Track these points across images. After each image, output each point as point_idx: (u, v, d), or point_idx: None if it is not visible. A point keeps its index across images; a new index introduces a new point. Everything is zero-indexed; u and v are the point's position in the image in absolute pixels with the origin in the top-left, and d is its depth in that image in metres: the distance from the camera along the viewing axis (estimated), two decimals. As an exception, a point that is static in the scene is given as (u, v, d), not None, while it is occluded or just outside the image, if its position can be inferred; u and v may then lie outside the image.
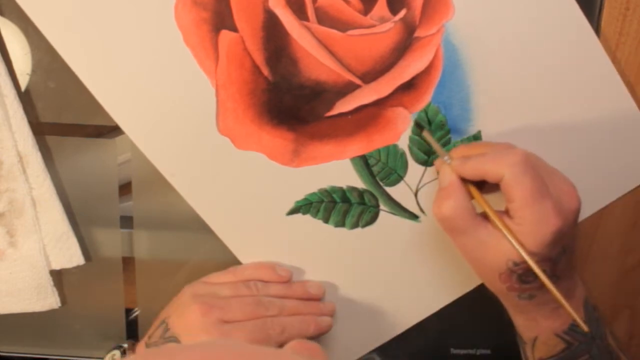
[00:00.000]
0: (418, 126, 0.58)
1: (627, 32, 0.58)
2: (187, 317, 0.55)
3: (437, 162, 0.56)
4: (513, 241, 0.49)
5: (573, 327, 0.54)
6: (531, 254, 0.49)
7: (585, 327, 0.50)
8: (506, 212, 0.51)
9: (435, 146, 0.56)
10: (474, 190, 0.52)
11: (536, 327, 0.55)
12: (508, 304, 0.55)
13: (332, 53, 0.55)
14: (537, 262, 0.49)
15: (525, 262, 0.49)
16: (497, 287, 0.53)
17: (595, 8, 0.57)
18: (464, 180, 0.52)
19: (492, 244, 0.50)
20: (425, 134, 0.57)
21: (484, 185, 0.53)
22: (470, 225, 0.51)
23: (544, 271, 0.49)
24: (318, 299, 0.63)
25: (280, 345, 0.56)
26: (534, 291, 0.52)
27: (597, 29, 0.57)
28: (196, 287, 0.59)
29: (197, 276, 0.65)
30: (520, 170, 0.49)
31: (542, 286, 0.50)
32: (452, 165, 0.52)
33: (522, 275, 0.50)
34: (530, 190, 0.48)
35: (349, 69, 0.56)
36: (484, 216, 0.52)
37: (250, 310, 0.56)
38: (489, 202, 0.52)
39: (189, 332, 0.54)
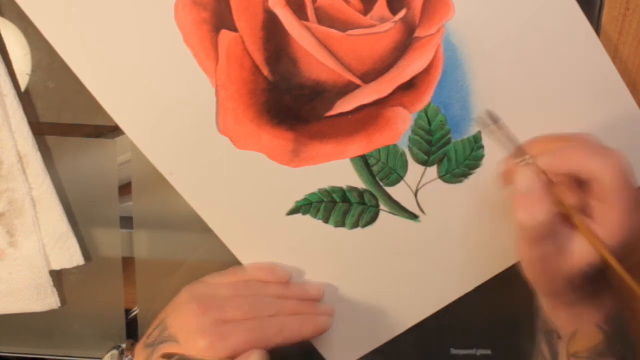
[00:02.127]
0: (492, 118, 0.56)
1: (627, 32, 0.58)
2: (184, 317, 0.55)
3: (510, 163, 0.54)
4: (598, 245, 0.48)
5: (611, 317, 0.54)
6: (612, 251, 0.48)
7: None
8: (584, 209, 0.50)
9: (514, 142, 0.53)
10: (561, 193, 0.50)
11: (579, 320, 0.54)
12: (555, 300, 0.54)
13: (332, 53, 0.55)
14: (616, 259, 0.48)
15: (601, 261, 0.48)
16: (554, 288, 0.52)
17: (595, 8, 0.57)
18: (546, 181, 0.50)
19: (574, 247, 0.49)
20: (500, 127, 0.55)
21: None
22: (555, 231, 0.49)
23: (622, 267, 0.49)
24: (317, 300, 0.63)
25: (279, 345, 0.56)
26: (590, 285, 0.51)
27: (597, 29, 0.58)
28: (195, 287, 0.59)
29: (197, 276, 0.65)
30: (622, 174, 0.47)
31: (597, 279, 0.49)
32: (538, 163, 0.50)
33: (589, 273, 0.50)
34: (630, 199, 0.47)
35: (349, 69, 0.56)
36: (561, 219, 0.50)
37: (248, 310, 0.56)
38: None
39: (186, 331, 0.54)
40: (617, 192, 0.47)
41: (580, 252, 0.49)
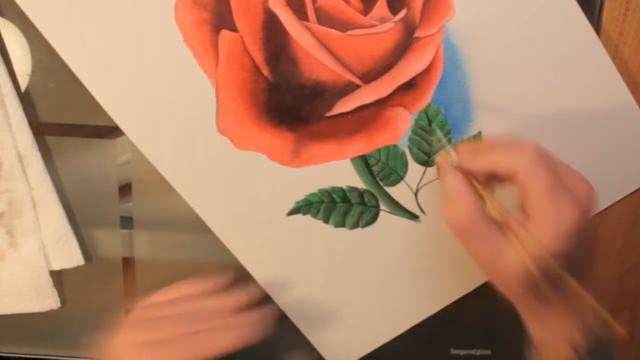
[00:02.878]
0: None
1: (627, 32, 0.58)
2: (115, 341, 0.54)
3: (438, 161, 0.54)
4: (529, 239, 0.47)
5: (585, 332, 0.52)
6: (550, 250, 0.47)
7: (617, 326, 0.48)
8: (520, 210, 0.49)
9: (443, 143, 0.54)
10: (485, 191, 0.50)
11: (548, 331, 0.54)
12: (522, 307, 0.54)
13: (332, 53, 0.55)
14: (557, 258, 0.47)
15: (543, 261, 0.47)
16: (512, 291, 0.51)
17: (596, 8, 0.57)
18: (471, 181, 0.50)
19: (507, 245, 0.48)
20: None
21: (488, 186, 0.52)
22: (485, 230, 0.49)
23: (564, 267, 0.47)
24: (254, 303, 0.62)
25: (214, 357, 0.56)
26: (550, 292, 0.50)
27: (597, 29, 0.58)
28: (132, 312, 0.58)
29: (197, 277, 0.65)
30: (536, 162, 0.47)
31: (559, 287, 0.48)
32: (459, 160, 0.50)
33: (541, 276, 0.48)
34: (547, 184, 0.46)
35: (349, 69, 0.56)
36: (494, 218, 0.50)
37: (180, 328, 0.56)
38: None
39: (115, 349, 0.54)
40: (532, 176, 0.47)
41: (513, 249, 0.48)
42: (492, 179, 0.51)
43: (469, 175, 0.50)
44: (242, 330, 0.58)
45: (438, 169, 0.54)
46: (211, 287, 0.60)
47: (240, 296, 0.61)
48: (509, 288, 0.51)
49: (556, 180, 0.47)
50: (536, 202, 0.47)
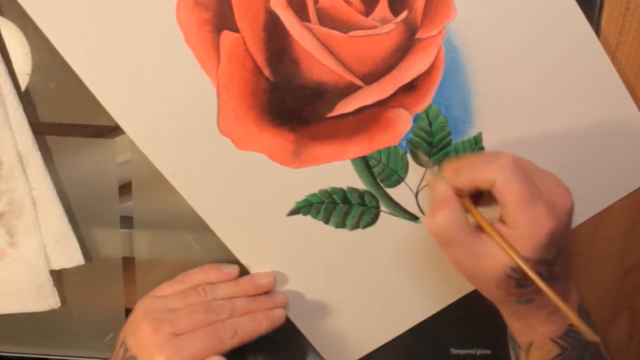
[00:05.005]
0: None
1: (627, 32, 0.58)
2: (139, 336, 0.56)
3: (428, 176, 0.57)
4: (507, 247, 0.49)
5: (568, 332, 0.54)
6: (526, 258, 0.49)
7: (587, 331, 0.49)
8: (500, 219, 0.50)
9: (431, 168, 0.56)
10: (466, 202, 0.52)
11: (532, 332, 0.55)
12: (505, 310, 0.55)
13: (333, 54, 0.55)
14: (533, 266, 0.49)
15: (520, 268, 0.49)
16: (494, 294, 0.53)
17: (595, 8, 0.57)
18: (458, 195, 0.51)
19: (487, 252, 0.50)
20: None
21: (479, 200, 0.53)
22: (464, 237, 0.50)
23: (540, 274, 0.49)
24: (269, 289, 0.63)
25: (236, 346, 0.56)
26: (531, 295, 0.52)
27: (597, 29, 0.58)
28: (146, 303, 0.59)
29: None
30: (510, 174, 0.48)
31: (539, 290, 0.49)
32: (444, 177, 0.52)
33: (520, 280, 0.50)
34: (521, 193, 0.48)
35: (350, 70, 0.56)
36: (477, 227, 0.51)
37: (201, 319, 0.57)
38: (482, 214, 0.51)
39: (144, 350, 0.55)
40: (506, 187, 0.48)
41: (492, 256, 0.50)
42: (479, 193, 0.52)
43: (455, 191, 0.52)
44: (264, 316, 0.59)
45: (428, 183, 0.56)
46: (224, 275, 0.61)
47: (255, 280, 0.62)
48: (490, 292, 0.53)
49: (530, 190, 0.49)
50: (511, 211, 0.49)
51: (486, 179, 0.49)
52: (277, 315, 0.61)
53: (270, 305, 0.62)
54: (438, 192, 0.52)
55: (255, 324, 0.59)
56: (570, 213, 0.51)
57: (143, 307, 0.58)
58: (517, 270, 0.49)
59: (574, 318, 0.49)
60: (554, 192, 0.50)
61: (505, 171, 0.48)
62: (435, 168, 0.53)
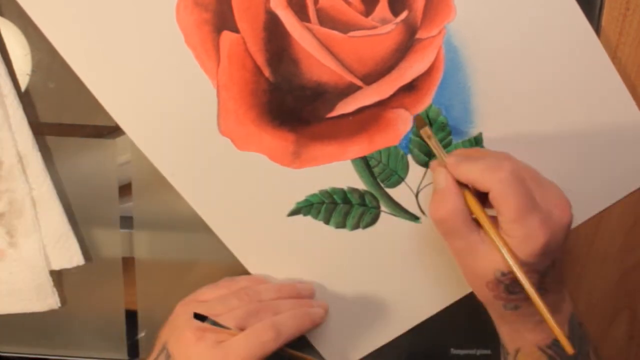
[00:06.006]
0: (418, 123, 0.57)
1: (627, 32, 0.58)
2: (183, 343, 0.55)
3: (432, 164, 0.56)
4: (503, 250, 0.49)
5: (556, 342, 0.53)
6: (520, 264, 0.49)
7: (567, 345, 0.49)
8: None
9: (434, 144, 0.56)
10: (468, 195, 0.52)
11: (520, 338, 0.55)
12: (493, 313, 0.55)
13: (333, 54, 0.55)
14: (525, 273, 0.49)
15: (512, 272, 0.49)
16: (484, 295, 0.53)
17: (595, 8, 0.57)
18: (461, 185, 0.52)
19: (483, 250, 0.50)
20: (425, 131, 0.57)
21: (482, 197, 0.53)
22: (464, 229, 0.51)
23: (531, 283, 0.49)
24: (310, 298, 0.63)
25: (280, 346, 0.56)
26: (519, 302, 0.52)
27: (597, 29, 0.58)
28: (189, 308, 0.58)
29: (196, 277, 0.66)
30: (507, 187, 0.49)
31: (528, 298, 0.50)
32: (446, 164, 0.52)
33: (509, 286, 0.51)
34: (515, 207, 0.48)
35: (350, 70, 0.56)
36: (478, 222, 0.52)
37: (243, 323, 0.56)
38: (485, 210, 0.52)
39: (188, 359, 0.54)
40: (502, 199, 0.49)
41: (486, 254, 0.50)
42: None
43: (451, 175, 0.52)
44: (307, 313, 0.59)
45: (431, 169, 0.56)
46: (269, 282, 0.61)
47: (298, 288, 0.62)
48: (480, 291, 0.53)
49: (526, 203, 0.49)
50: (506, 221, 0.49)
51: (483, 183, 0.50)
52: (319, 314, 0.61)
53: (311, 304, 0.62)
54: (440, 182, 0.52)
55: (297, 322, 0.58)
56: (567, 226, 0.51)
57: (185, 312, 0.58)
58: (508, 274, 0.50)
59: (555, 328, 0.49)
60: (553, 203, 0.51)
61: (503, 184, 0.49)
62: (443, 155, 0.54)
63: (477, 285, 0.53)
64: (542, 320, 0.52)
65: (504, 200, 0.49)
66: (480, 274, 0.51)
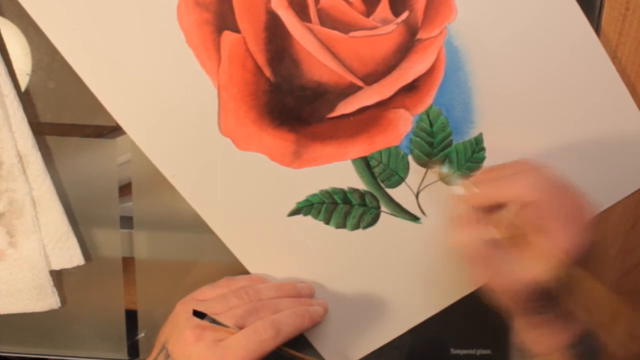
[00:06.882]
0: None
1: (627, 32, 0.58)
2: (182, 343, 0.55)
3: (453, 193, 0.58)
4: (541, 264, 0.50)
5: (581, 340, 0.54)
6: (555, 272, 0.49)
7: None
8: (531, 231, 0.51)
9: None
10: (485, 217, 0.52)
11: (548, 341, 0.55)
12: (523, 320, 0.56)
13: (334, 54, 0.55)
14: (559, 280, 0.50)
15: (547, 280, 0.50)
16: (516, 306, 0.54)
17: (595, 8, 0.57)
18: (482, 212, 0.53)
19: (513, 268, 0.51)
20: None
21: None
22: (486, 255, 0.52)
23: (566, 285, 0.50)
24: (310, 297, 0.63)
25: (279, 344, 0.56)
26: (552, 307, 0.52)
27: (597, 29, 0.58)
28: (189, 308, 0.58)
29: (197, 277, 0.66)
30: (546, 192, 0.49)
31: (559, 301, 0.51)
32: (471, 195, 0.53)
33: (544, 293, 0.51)
34: (559, 213, 0.49)
35: (351, 71, 0.56)
36: (497, 242, 0.52)
37: (242, 322, 0.56)
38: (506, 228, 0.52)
39: (187, 358, 0.55)
40: (543, 206, 0.50)
41: (518, 271, 0.51)
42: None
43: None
44: (307, 312, 0.59)
45: (451, 201, 0.58)
46: (269, 281, 0.61)
47: (298, 288, 0.62)
48: (513, 304, 0.54)
49: (561, 208, 0.50)
50: (550, 229, 0.50)
51: (514, 198, 0.51)
52: (318, 312, 0.61)
53: (310, 303, 0.62)
54: (458, 210, 0.54)
55: (297, 320, 0.58)
56: (591, 222, 0.52)
57: (184, 311, 0.58)
58: (544, 283, 0.50)
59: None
60: (579, 204, 0.52)
61: (540, 191, 0.50)
62: (459, 187, 0.56)
63: (509, 298, 0.53)
64: (566, 322, 0.53)
65: (546, 206, 0.50)
66: (513, 289, 0.52)
